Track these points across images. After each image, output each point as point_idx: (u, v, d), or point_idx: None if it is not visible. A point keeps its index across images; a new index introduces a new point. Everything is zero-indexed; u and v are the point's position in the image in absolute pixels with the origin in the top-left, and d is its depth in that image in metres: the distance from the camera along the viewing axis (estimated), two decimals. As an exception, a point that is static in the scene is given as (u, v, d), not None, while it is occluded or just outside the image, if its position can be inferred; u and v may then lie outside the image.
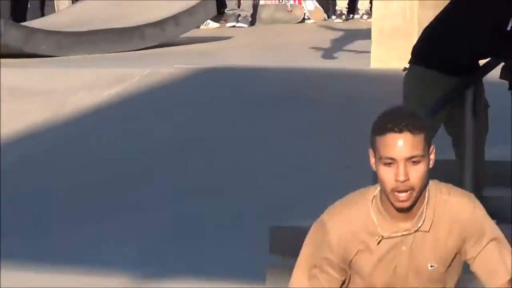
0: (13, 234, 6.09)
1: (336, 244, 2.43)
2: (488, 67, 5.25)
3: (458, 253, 2.40)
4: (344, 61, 8.99)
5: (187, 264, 5.75)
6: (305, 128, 7.38)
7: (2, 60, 8.65)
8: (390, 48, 8.37)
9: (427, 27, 5.31)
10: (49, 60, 9.62)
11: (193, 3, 8.94)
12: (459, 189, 2.48)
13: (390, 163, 2.25)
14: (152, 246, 6.04)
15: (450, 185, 2.45)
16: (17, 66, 8.99)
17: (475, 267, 2.40)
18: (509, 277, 2.37)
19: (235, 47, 9.84)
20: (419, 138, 2.27)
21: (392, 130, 2.23)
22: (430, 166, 2.32)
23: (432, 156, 2.33)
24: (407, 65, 5.27)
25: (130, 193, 6.91)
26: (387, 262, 2.41)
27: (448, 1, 5.34)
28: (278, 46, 10.35)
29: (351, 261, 2.40)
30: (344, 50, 9.46)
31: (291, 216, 6.03)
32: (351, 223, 2.42)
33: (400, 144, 2.25)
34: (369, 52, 8.40)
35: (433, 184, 2.38)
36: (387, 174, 2.26)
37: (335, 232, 2.42)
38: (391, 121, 2.25)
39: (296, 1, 10.93)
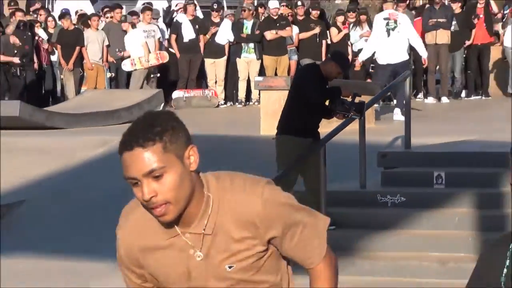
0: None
1: (125, 253, 2.25)
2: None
3: (265, 248, 2.21)
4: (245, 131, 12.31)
5: None
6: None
7: (32, 130, 13.43)
8: (272, 122, 12.44)
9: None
10: (62, 131, 13.28)
11: (150, 94, 13.98)
12: (248, 184, 2.19)
13: (136, 183, 2.04)
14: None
15: (239, 177, 2.20)
16: (41, 135, 13.71)
17: (291, 257, 2.28)
18: (321, 258, 2.26)
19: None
20: (154, 149, 2.01)
21: (125, 148, 2.02)
22: (192, 168, 2.08)
23: (192, 159, 2.08)
24: (275, 135, 7.38)
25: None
26: (177, 267, 2.20)
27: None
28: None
29: (143, 265, 2.22)
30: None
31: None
32: (136, 228, 2.20)
33: (134, 161, 2.01)
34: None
35: (215, 183, 2.15)
36: (138, 193, 2.05)
37: (123, 241, 2.23)
38: (124, 139, 2.03)
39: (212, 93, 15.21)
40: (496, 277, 2.07)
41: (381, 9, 14.18)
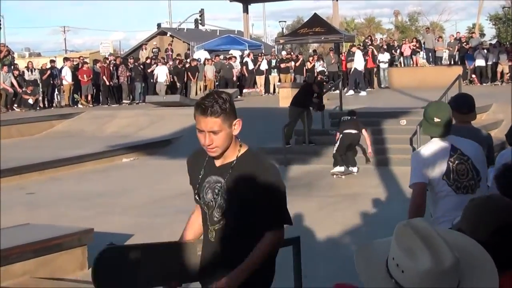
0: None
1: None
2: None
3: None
4: (272, 105, 28.87)
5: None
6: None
7: (185, 106, 31.21)
8: (284, 102, 20.99)
9: (293, 97, 16.73)
10: (191, 107, 29.84)
11: (233, 91, 30.95)
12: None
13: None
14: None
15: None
16: (188, 108, 31.13)
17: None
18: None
19: (244, 102, 32.01)
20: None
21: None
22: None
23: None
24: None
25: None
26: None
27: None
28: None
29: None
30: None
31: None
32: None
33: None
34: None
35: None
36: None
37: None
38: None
39: (259, 90, 33.91)
40: None
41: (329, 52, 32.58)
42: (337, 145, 13.83)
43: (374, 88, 30.72)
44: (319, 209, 11.13)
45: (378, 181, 13.56)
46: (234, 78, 31.22)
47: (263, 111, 22.08)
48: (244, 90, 31.52)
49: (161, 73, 30.03)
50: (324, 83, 22.69)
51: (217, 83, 31.08)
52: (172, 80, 30.18)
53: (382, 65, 30.81)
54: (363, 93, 27.24)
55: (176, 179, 14.86)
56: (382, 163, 15.32)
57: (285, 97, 22.16)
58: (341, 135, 13.74)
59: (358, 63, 28.04)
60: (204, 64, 31.32)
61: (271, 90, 31.68)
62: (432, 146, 4.72)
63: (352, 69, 28.40)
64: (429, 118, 4.71)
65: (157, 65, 30.59)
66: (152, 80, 29.91)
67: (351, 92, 27.40)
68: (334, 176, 13.75)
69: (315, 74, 31.46)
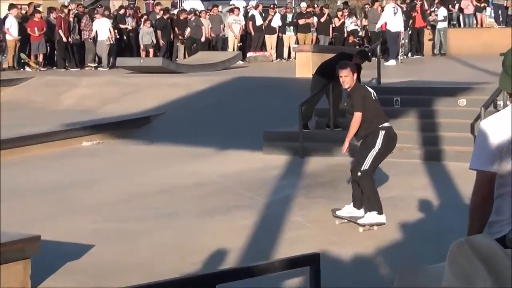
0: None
1: None
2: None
3: None
4: (286, 74, 24.77)
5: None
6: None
7: (168, 74, 31.19)
8: (302, 70, 22.78)
9: (320, 64, 17.12)
10: (185, 74, 26.10)
11: (235, 54, 29.83)
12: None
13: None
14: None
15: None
16: (174, 76, 29.55)
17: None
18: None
19: (249, 70, 29.89)
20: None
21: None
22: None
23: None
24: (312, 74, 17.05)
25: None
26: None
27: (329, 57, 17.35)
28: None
29: None
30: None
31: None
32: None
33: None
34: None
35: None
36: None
37: None
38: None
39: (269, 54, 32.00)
40: None
41: (364, 6, 32.50)
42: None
43: (424, 55, 31.22)
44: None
45: (426, 181, 13.57)
46: (203, 39, 31.29)
47: (273, 82, 22.60)
48: (249, 54, 31.92)
49: (102, 28, 29.72)
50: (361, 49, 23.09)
51: (213, 44, 31.33)
52: (155, 38, 30.62)
53: (439, 24, 31.06)
54: (390, 62, 27.64)
55: (155, 172, 14.85)
56: (433, 157, 15.36)
57: (303, 64, 22.61)
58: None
59: (390, 21, 28.14)
60: (199, 17, 31.48)
61: (285, 54, 32.19)
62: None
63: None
64: (509, 67, 4.52)
65: (133, 19, 30.65)
66: (91, 39, 29.58)
67: (392, 61, 27.83)
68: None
69: (345, 35, 31.45)
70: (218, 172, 14.56)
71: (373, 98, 10.82)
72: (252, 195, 12.60)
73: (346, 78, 10.61)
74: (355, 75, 10.75)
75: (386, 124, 10.71)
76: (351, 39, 31.54)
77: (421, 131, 15.98)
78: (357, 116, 10.64)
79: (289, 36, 32.22)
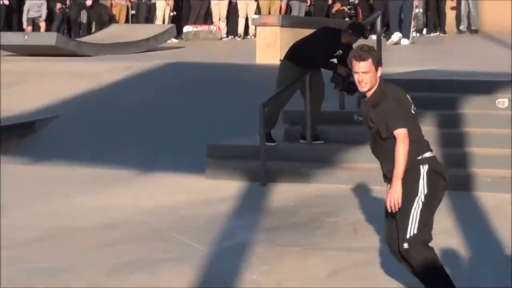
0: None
1: None
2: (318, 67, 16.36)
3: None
4: (241, 59, 24.24)
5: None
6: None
7: (66, 57, 27.70)
8: (266, 53, 23.43)
9: (293, 45, 16.91)
10: (91, 58, 25.65)
11: (165, 28, 29.66)
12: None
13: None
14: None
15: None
16: (74, 61, 25.00)
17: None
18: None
19: (186, 51, 28.63)
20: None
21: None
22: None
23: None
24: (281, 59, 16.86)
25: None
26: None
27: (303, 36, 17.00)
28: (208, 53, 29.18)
29: None
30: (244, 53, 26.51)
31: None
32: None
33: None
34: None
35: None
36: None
37: None
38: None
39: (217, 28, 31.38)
40: None
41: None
42: None
43: (445, 32, 31.32)
44: (330, 275, 10.98)
45: (450, 222, 13.27)
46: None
47: (222, 71, 23.01)
48: (186, 28, 32.30)
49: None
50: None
51: (133, 12, 31.32)
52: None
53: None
54: (404, 41, 28.37)
55: (38, 206, 14.40)
56: (459, 186, 14.81)
57: (267, 44, 23.11)
58: None
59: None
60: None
61: (240, 29, 32.47)
62: None
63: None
64: None
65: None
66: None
67: (396, 36, 28.31)
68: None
69: (329, 1, 31.21)
70: (139, 207, 14.40)
71: (413, 110, 9.34)
72: (189, 241, 12.38)
73: (366, 76, 9.14)
74: (380, 70, 9.20)
75: (427, 154, 9.32)
76: (337, 6, 31.28)
77: (442, 146, 15.69)
78: (403, 135, 9.14)
79: (247, 2, 32.43)
